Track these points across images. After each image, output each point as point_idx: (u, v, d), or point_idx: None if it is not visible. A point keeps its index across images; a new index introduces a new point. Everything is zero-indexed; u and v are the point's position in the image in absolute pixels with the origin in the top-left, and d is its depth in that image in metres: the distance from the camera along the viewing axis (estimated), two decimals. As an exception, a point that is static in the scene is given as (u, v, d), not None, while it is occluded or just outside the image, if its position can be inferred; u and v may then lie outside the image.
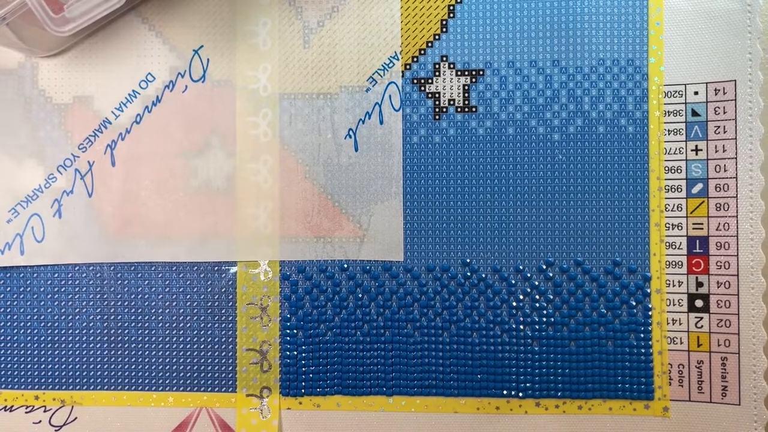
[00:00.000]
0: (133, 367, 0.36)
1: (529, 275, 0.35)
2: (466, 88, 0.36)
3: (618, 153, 0.35)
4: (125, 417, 0.36)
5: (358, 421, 0.36)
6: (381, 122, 0.36)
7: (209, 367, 0.36)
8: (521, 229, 0.35)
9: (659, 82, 0.35)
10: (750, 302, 0.34)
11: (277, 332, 0.36)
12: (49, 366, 0.37)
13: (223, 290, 0.36)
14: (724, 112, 0.34)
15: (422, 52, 0.36)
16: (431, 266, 0.36)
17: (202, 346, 0.36)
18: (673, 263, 0.35)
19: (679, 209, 0.35)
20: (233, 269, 0.36)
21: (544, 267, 0.35)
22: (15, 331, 0.37)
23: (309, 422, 0.36)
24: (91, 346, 0.37)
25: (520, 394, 0.35)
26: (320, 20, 0.36)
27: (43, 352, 0.37)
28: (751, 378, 0.34)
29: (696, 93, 0.35)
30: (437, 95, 0.36)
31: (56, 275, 0.37)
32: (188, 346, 0.36)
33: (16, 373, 0.37)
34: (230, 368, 0.36)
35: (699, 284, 0.35)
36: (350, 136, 0.36)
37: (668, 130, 0.35)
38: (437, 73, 0.36)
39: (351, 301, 0.36)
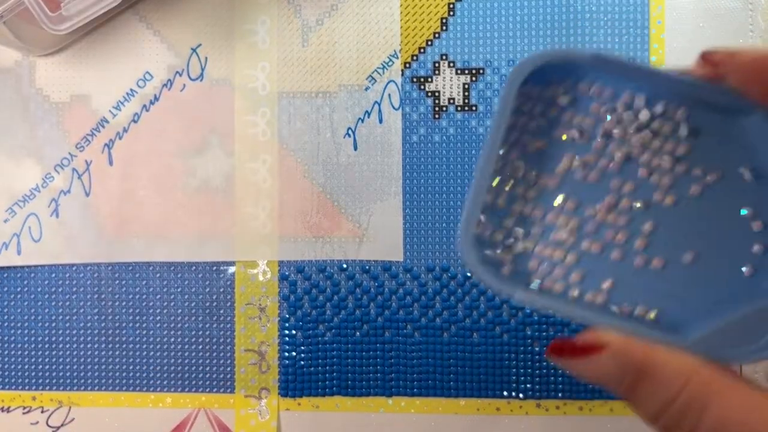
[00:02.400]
0: (130, 367, 0.36)
1: (529, 275, 0.35)
2: (466, 86, 0.35)
3: None
4: (123, 418, 0.36)
5: (358, 422, 0.36)
6: (380, 121, 0.36)
7: (207, 368, 0.36)
8: (521, 228, 0.35)
9: (660, 80, 0.35)
10: (752, 302, 0.34)
11: (275, 333, 0.36)
12: (47, 366, 0.36)
13: (221, 290, 0.36)
14: (726, 111, 0.34)
15: (422, 50, 0.36)
16: (431, 266, 0.35)
17: (200, 347, 0.36)
18: (675, 263, 0.35)
19: (681, 209, 0.35)
20: (232, 269, 0.36)
21: (545, 267, 0.35)
22: (12, 331, 0.37)
23: (308, 423, 0.36)
24: (88, 346, 0.36)
25: (521, 395, 0.35)
26: (319, 18, 0.36)
27: (40, 352, 0.36)
28: (752, 377, 0.34)
29: (697, 92, 0.35)
30: (437, 94, 0.36)
31: (53, 275, 0.37)
32: (186, 346, 0.36)
33: (13, 373, 0.37)
34: (228, 369, 0.36)
35: (700, 284, 0.34)
36: (349, 135, 0.36)
37: (669, 129, 0.35)
38: (437, 72, 0.36)
39: (350, 301, 0.36)
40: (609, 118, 0.23)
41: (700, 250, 0.21)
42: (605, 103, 0.23)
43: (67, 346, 0.36)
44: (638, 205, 0.22)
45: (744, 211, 0.22)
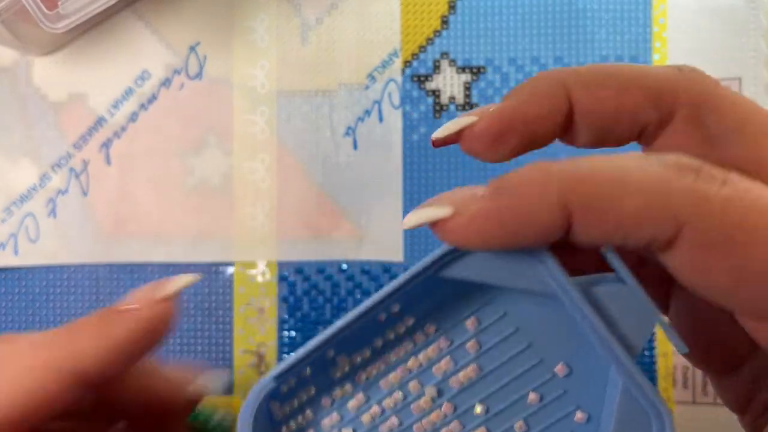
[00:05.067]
0: (128, 369, 0.36)
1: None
2: (467, 85, 0.35)
3: (621, 152, 0.35)
4: (120, 420, 0.36)
5: (357, 424, 0.35)
6: (380, 120, 0.35)
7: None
8: (523, 228, 0.35)
9: (663, 79, 0.35)
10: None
11: (274, 334, 0.36)
12: (44, 368, 0.36)
13: (219, 291, 0.36)
14: (729, 110, 0.34)
15: (422, 48, 0.35)
16: (431, 266, 0.35)
17: (198, 348, 0.36)
18: (677, 263, 0.34)
19: (684, 209, 0.34)
20: (230, 270, 0.36)
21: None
22: (10, 332, 0.36)
23: (307, 425, 0.35)
24: (86, 347, 0.36)
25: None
26: (319, 17, 0.36)
27: (37, 353, 0.36)
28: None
29: (700, 91, 0.34)
30: (437, 93, 0.35)
31: (51, 276, 0.36)
32: (184, 347, 0.36)
33: (10, 375, 0.36)
34: (227, 370, 0.36)
35: (703, 285, 0.34)
36: (349, 134, 0.35)
37: (672, 129, 0.35)
38: (437, 70, 0.35)
39: (350, 302, 0.35)
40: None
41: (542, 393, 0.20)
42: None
43: (65, 347, 0.36)
44: (430, 394, 0.20)
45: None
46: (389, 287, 0.19)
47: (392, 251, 0.35)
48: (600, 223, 0.16)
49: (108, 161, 0.36)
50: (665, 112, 0.18)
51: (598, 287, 0.18)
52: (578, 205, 0.16)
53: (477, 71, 0.35)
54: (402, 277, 0.19)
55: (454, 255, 0.18)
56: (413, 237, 0.35)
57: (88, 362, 0.19)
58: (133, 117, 0.36)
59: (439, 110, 0.35)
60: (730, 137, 0.18)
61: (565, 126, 0.19)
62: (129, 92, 0.36)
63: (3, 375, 0.18)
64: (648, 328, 0.18)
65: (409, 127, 0.35)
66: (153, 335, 0.20)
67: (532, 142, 0.19)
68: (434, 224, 0.17)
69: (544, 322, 0.19)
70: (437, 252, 0.18)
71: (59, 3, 0.31)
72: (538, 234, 0.17)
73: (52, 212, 0.36)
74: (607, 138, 0.19)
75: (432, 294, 0.20)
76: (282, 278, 0.36)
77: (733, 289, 0.16)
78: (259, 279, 0.36)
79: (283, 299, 0.36)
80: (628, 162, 0.16)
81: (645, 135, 0.19)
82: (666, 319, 0.18)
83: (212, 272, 0.36)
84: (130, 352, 0.20)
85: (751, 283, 0.16)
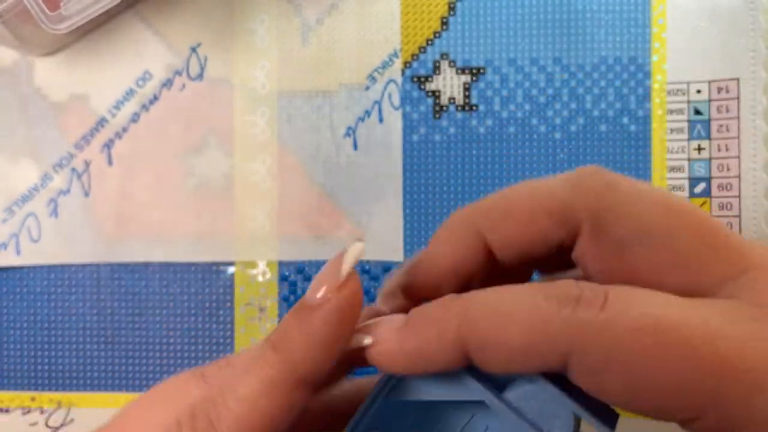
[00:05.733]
0: (129, 368, 0.36)
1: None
2: (467, 86, 0.35)
3: (620, 152, 0.35)
4: (122, 419, 0.36)
5: (358, 423, 0.35)
6: (380, 120, 0.35)
7: (207, 369, 0.36)
8: (522, 228, 0.35)
9: (662, 80, 0.35)
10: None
11: (275, 333, 0.36)
12: (46, 367, 0.36)
13: (220, 291, 0.36)
14: (727, 111, 0.34)
15: (422, 49, 0.35)
16: (431, 266, 0.35)
17: (199, 348, 0.36)
18: (676, 263, 0.35)
19: (682, 209, 0.34)
20: (231, 269, 0.36)
21: (546, 267, 0.35)
22: (11, 331, 0.36)
23: (308, 424, 0.36)
24: (87, 347, 0.36)
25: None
26: (319, 17, 0.36)
27: (39, 352, 0.36)
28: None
29: (699, 91, 0.34)
30: (437, 93, 0.35)
31: (52, 275, 0.36)
32: (186, 347, 0.36)
33: (12, 374, 0.36)
34: (228, 370, 0.36)
35: (702, 284, 0.34)
36: (349, 135, 0.36)
37: (671, 129, 0.35)
38: (437, 71, 0.35)
39: (350, 301, 0.35)
40: None
41: None
42: None
43: (66, 346, 0.36)
44: None
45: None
46: (359, 413, 0.20)
47: (392, 251, 0.35)
48: (492, 358, 0.18)
49: (110, 162, 0.36)
50: (572, 227, 0.19)
51: (513, 391, 0.19)
52: (472, 344, 0.18)
53: (477, 72, 0.35)
54: (362, 407, 0.20)
55: (393, 380, 0.20)
56: (413, 237, 0.35)
57: (303, 367, 0.19)
58: (134, 117, 0.36)
59: (439, 111, 0.35)
60: (633, 242, 0.19)
61: (487, 263, 0.21)
62: (130, 93, 0.36)
63: (237, 400, 0.19)
64: (568, 421, 0.19)
65: (409, 128, 0.35)
66: (350, 318, 0.20)
67: (463, 285, 0.21)
68: (362, 349, 0.20)
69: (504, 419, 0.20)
70: (380, 380, 0.20)
71: (61, 4, 0.31)
72: (442, 366, 0.18)
73: (54, 212, 0.36)
74: (528, 260, 0.21)
75: (405, 411, 0.21)
76: (283, 278, 0.36)
77: (632, 404, 0.17)
78: (260, 279, 0.36)
79: (284, 299, 0.36)
80: (518, 297, 0.18)
81: (564, 247, 0.20)
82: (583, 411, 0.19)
83: (213, 272, 0.36)
84: (335, 343, 0.20)
85: (644, 398, 0.17)
